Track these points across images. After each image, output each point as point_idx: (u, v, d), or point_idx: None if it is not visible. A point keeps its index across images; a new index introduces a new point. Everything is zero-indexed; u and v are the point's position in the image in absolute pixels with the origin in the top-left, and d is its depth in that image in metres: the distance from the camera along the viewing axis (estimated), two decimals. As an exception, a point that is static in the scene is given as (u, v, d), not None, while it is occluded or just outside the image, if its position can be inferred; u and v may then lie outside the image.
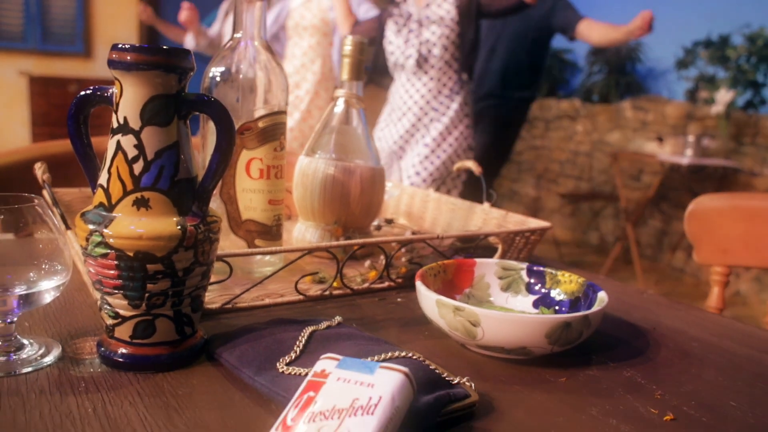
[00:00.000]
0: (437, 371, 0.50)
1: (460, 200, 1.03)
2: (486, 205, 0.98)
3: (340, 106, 0.87)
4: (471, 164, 1.01)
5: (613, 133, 4.63)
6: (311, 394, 0.39)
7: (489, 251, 0.86)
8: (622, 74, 4.98)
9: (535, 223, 0.89)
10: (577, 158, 4.92)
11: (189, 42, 3.07)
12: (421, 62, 2.12)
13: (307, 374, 0.45)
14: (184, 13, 2.84)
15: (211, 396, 0.48)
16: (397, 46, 2.18)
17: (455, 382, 0.49)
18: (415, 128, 2.19)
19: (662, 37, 4.61)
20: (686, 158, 3.45)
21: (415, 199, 1.10)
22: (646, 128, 4.36)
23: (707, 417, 0.51)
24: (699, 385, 0.56)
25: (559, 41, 3.15)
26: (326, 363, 0.42)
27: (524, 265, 0.71)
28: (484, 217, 0.97)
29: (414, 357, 0.50)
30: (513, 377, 0.55)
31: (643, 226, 4.21)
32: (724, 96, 3.46)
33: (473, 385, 0.50)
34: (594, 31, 2.32)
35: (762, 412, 0.52)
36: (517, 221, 0.92)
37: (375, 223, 1.04)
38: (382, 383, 0.39)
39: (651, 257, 4.15)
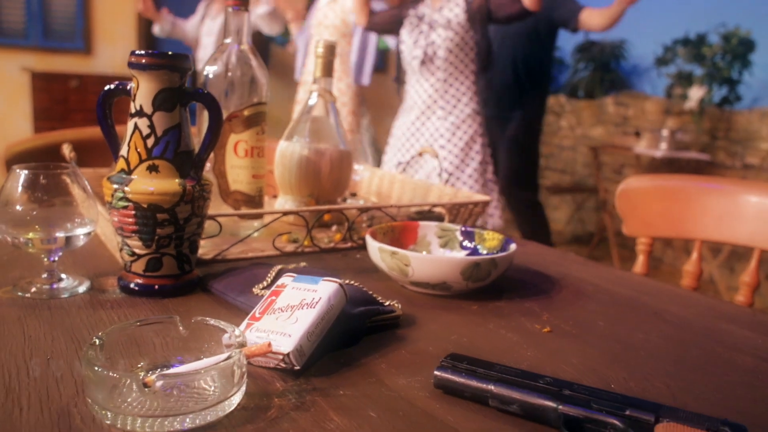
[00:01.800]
0: (373, 295, 0.66)
1: (421, 180, 1.20)
2: (441, 183, 1.15)
3: (314, 99, 1.04)
4: (429, 150, 1.18)
5: (596, 127, 4.81)
6: (273, 298, 0.56)
7: (439, 221, 1.02)
8: (606, 71, 5.15)
9: (477, 197, 1.05)
10: (562, 152, 5.09)
11: (156, 30, 3.30)
12: (426, 62, 2.20)
13: (273, 292, 0.61)
14: (139, 5, 3.09)
15: (203, 313, 0.65)
16: (407, 45, 2.27)
17: (386, 303, 0.66)
18: (423, 119, 2.27)
19: (645, 35, 4.79)
20: (660, 151, 3.62)
21: (384, 180, 1.27)
22: (627, 123, 4.54)
23: (576, 330, 0.68)
24: (579, 312, 0.73)
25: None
26: (285, 279, 0.59)
27: (459, 227, 0.88)
28: (439, 194, 1.14)
29: (356, 284, 0.67)
30: (435, 305, 0.72)
31: (623, 217, 4.39)
32: (697, 92, 3.63)
33: (400, 306, 0.67)
34: (595, 18, 2.34)
35: (619, 329, 0.69)
36: (464, 196, 1.09)
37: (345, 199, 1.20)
38: (322, 289, 0.56)
39: (630, 247, 4.32)
